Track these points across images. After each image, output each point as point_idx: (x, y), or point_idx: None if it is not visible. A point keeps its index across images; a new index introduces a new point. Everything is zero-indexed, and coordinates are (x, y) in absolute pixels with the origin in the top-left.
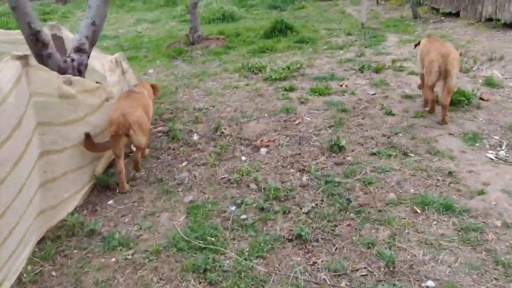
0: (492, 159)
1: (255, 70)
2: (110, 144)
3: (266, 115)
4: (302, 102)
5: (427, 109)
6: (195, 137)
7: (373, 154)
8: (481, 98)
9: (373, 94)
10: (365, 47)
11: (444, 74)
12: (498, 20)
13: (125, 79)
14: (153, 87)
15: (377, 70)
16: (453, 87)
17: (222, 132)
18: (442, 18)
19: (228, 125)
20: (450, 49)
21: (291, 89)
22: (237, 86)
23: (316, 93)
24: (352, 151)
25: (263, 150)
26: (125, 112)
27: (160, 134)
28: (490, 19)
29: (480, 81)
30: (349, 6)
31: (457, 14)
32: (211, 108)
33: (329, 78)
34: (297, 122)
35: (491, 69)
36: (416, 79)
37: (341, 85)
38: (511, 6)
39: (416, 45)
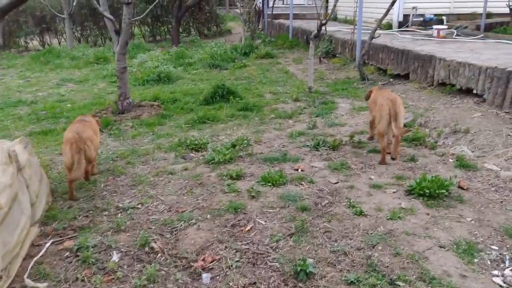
0: (501, 285)
1: (194, 148)
2: (79, 162)
3: (208, 216)
4: (252, 197)
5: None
6: (115, 257)
7: (351, 283)
8: (460, 187)
9: (335, 183)
10: (316, 116)
11: (394, 116)
12: (453, 85)
13: (22, 179)
14: (97, 120)
15: (334, 147)
16: (401, 126)
17: (152, 248)
18: (391, 79)
19: (160, 234)
20: (396, 96)
21: (239, 176)
22: (172, 172)
23: (269, 183)
24: (324, 277)
25: (205, 277)
26: (78, 131)
27: (66, 255)
28: (443, 84)
29: (451, 160)
30: (292, 64)
31: (406, 77)
32: (139, 206)
33: (282, 159)
34: (248, 227)
35: (458, 144)
36: (378, 157)
37: (297, 169)
38: (466, 70)
39: (367, 98)
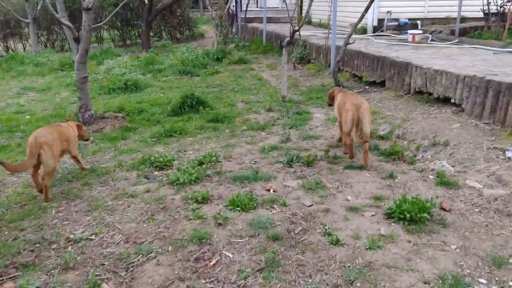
0: None
1: (159, 166)
2: (26, 164)
3: (170, 248)
4: (219, 224)
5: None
6: None
7: None
8: (442, 208)
9: (310, 206)
10: (290, 128)
11: (357, 122)
12: (430, 94)
13: None
14: (78, 126)
15: (309, 163)
16: (367, 133)
17: None
18: (367, 87)
19: (113, 272)
20: (362, 101)
21: (205, 199)
22: (133, 194)
23: (238, 208)
24: None
25: None
26: (37, 135)
27: None
28: (420, 92)
29: (431, 177)
30: (265, 70)
31: (382, 84)
32: (93, 237)
33: (253, 178)
34: (213, 261)
35: (438, 158)
36: (354, 173)
37: (268, 190)
38: (443, 79)
39: (329, 103)
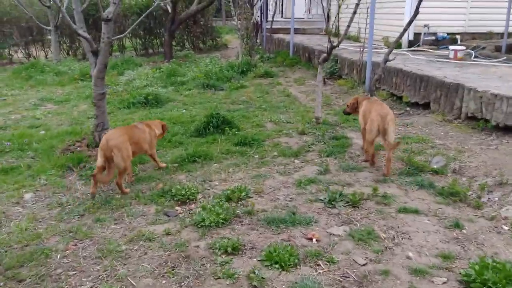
0: None
1: (181, 200)
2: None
3: None
4: (254, 287)
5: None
6: None
7: None
8: None
9: (363, 265)
10: (327, 155)
11: (383, 132)
12: (487, 120)
13: None
14: (163, 126)
15: (354, 203)
16: (392, 142)
17: None
18: (408, 108)
19: None
20: (388, 111)
21: (235, 250)
22: (151, 237)
23: (276, 265)
24: None
25: None
26: (108, 138)
27: None
28: (473, 118)
29: (506, 228)
30: (293, 86)
31: (425, 106)
32: None
33: (290, 221)
34: None
35: (508, 202)
36: (410, 219)
37: (310, 238)
38: (504, 104)
39: (347, 111)
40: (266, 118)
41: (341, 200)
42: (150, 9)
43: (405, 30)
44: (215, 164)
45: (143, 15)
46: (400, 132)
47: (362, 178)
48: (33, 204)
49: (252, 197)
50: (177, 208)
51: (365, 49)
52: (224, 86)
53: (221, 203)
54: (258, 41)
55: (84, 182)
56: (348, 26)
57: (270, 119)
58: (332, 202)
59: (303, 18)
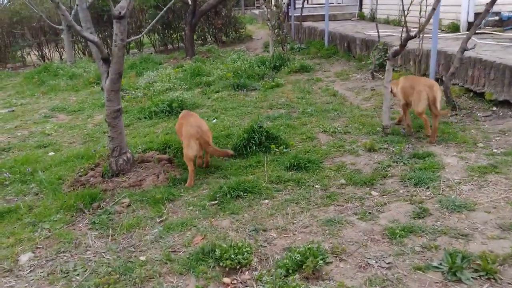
0: None
1: (230, 266)
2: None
3: None
4: None
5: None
6: None
7: None
8: None
9: None
10: (415, 184)
11: (433, 101)
12: None
13: None
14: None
15: (488, 272)
16: (439, 111)
17: None
18: (495, 108)
19: None
20: (433, 81)
21: None
22: None
23: None
24: None
25: None
26: (200, 124)
27: None
28: None
29: None
30: (337, 81)
31: None
32: None
33: None
34: None
35: None
36: None
37: None
38: None
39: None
40: (316, 126)
41: (467, 268)
42: (170, 3)
43: (487, 10)
44: (266, 201)
45: (163, 10)
46: (499, 144)
47: (480, 223)
48: (30, 271)
49: (330, 262)
50: (224, 280)
51: (422, 35)
52: (257, 85)
53: (286, 271)
54: (285, 30)
55: (97, 234)
56: (433, 9)
57: (322, 129)
58: (455, 273)
59: (333, 3)
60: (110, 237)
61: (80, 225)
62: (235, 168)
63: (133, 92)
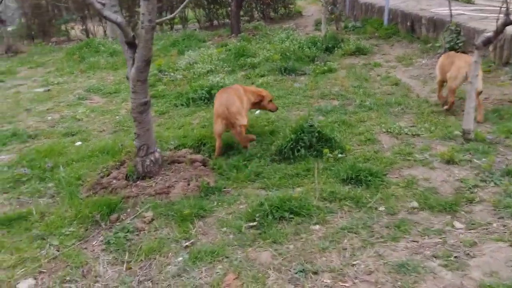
0: None
1: None
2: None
3: None
4: None
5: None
6: None
7: None
8: None
9: None
10: None
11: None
12: None
13: None
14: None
15: None
16: (481, 88)
17: None
18: None
19: None
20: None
21: None
22: None
23: None
24: None
25: None
26: (227, 104)
27: None
28: None
29: None
30: (398, 67)
31: None
32: None
33: None
34: None
35: None
36: None
37: None
38: None
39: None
40: (377, 125)
41: None
42: None
43: None
44: (317, 227)
45: None
46: None
47: None
48: None
49: None
50: None
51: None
52: (307, 69)
53: None
54: (339, 6)
55: (111, 258)
56: None
57: (384, 128)
58: None
59: None
60: (125, 265)
61: (93, 243)
62: (279, 177)
63: (172, 74)
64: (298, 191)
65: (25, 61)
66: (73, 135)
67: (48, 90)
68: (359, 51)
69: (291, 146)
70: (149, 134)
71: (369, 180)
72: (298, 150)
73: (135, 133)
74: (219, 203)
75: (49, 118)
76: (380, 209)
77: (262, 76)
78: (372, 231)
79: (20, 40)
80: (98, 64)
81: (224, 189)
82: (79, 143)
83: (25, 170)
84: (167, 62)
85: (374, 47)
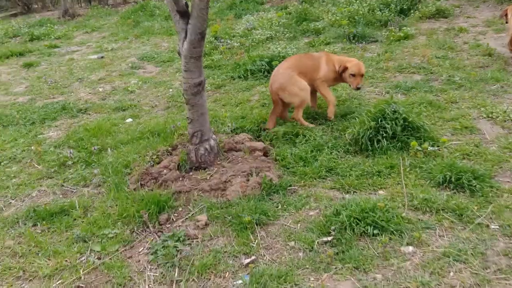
0: None
1: None
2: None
3: None
4: None
5: None
6: None
7: None
8: None
9: None
10: None
11: None
12: None
13: None
14: (343, 66)
15: None
16: None
17: None
18: None
19: None
20: None
21: None
22: None
23: None
24: None
25: None
26: (272, 80)
27: None
28: None
29: None
30: (488, 33)
31: None
32: None
33: None
34: None
35: None
36: None
37: None
38: None
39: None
40: (473, 108)
41: None
42: None
43: None
44: (410, 249)
45: None
46: None
47: None
48: None
49: None
50: None
51: None
52: (379, 35)
53: None
54: None
55: (158, 275)
56: None
57: (484, 112)
58: None
59: None
60: (174, 285)
61: (139, 250)
62: (357, 174)
63: (229, 41)
64: (381, 195)
65: (81, 25)
66: (123, 110)
67: (102, 57)
68: (439, 14)
69: (370, 135)
70: (204, 119)
71: (474, 185)
72: (379, 141)
73: (187, 118)
74: (284, 207)
75: (100, 89)
76: (492, 227)
77: (327, 44)
78: (486, 261)
79: (77, 3)
80: (152, 29)
81: (290, 188)
82: (130, 120)
83: (70, 152)
84: (223, 27)
85: (455, 8)
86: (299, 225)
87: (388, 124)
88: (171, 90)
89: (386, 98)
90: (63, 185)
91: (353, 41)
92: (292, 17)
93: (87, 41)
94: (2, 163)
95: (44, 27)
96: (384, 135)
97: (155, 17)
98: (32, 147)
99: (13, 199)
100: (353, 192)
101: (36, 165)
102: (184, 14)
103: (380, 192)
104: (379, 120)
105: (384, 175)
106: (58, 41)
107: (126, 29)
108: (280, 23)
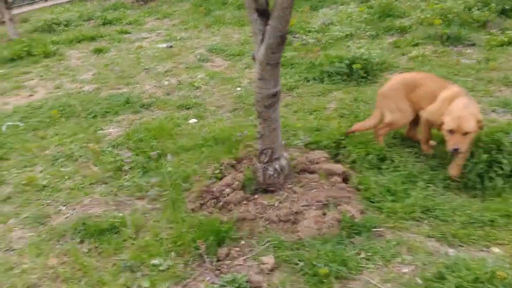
0: None
1: None
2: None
3: None
4: None
5: None
6: None
7: None
8: None
9: None
10: None
11: None
12: None
13: None
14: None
15: None
16: None
17: None
18: None
19: None
20: None
21: None
22: None
23: None
24: None
25: None
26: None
27: None
28: None
29: None
30: None
31: None
32: None
33: None
34: None
35: None
36: None
37: None
38: None
39: None
40: None
41: None
42: None
43: None
44: None
45: None
46: None
47: None
48: None
49: None
50: None
51: None
52: (477, 38)
53: None
54: None
55: None
56: None
57: None
58: None
59: None
60: None
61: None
62: (462, 221)
63: (304, 37)
64: (496, 254)
65: (154, 11)
66: (187, 108)
67: (171, 47)
68: None
69: (480, 170)
70: (275, 134)
71: None
72: (491, 179)
73: (257, 132)
74: (369, 257)
75: (166, 83)
76: None
77: (416, 45)
78: None
79: None
80: (223, 18)
81: (375, 229)
82: (193, 120)
83: (128, 156)
84: (298, 20)
85: None
86: (390, 283)
87: (505, 159)
88: (239, 88)
89: (502, 125)
90: (116, 194)
91: (446, 43)
92: (375, 12)
93: (158, 28)
94: (59, 161)
95: (117, 12)
96: (499, 172)
97: (227, 5)
98: (90, 145)
99: (63, 206)
100: (458, 245)
101: (92, 167)
102: (263, 13)
103: (494, 249)
104: (493, 152)
105: (498, 225)
106: (129, 27)
107: (197, 17)
108: (361, 19)
